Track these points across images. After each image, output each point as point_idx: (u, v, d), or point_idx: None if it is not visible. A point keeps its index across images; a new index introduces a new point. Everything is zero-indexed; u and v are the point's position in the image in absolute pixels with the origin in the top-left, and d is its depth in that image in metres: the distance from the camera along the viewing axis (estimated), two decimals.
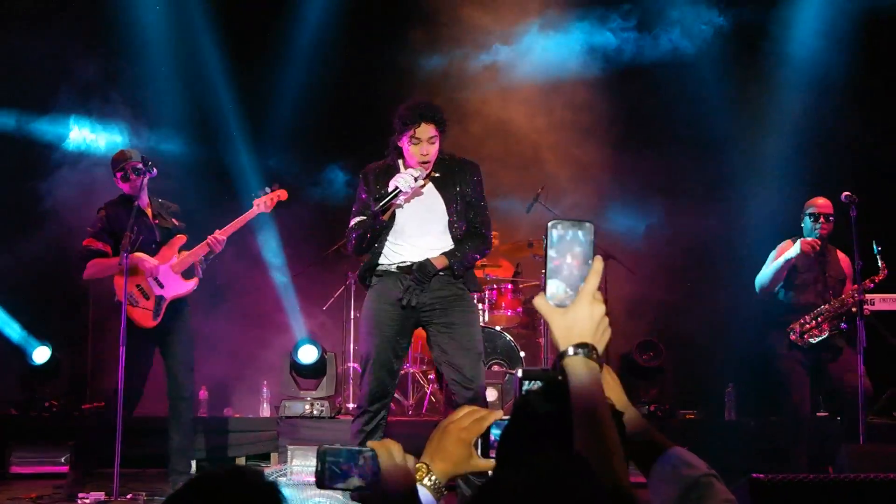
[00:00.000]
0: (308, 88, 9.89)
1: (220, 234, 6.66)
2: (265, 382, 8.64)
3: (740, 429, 8.45)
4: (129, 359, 6.17)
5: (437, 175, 5.62)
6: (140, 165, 6.57)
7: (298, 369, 8.39)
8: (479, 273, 9.16)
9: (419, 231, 5.57)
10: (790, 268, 7.08)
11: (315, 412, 7.95)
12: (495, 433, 2.25)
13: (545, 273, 1.92)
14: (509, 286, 9.02)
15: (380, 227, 5.51)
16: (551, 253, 1.89)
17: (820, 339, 6.90)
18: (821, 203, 7.08)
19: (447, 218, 5.59)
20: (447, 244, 5.58)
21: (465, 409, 2.28)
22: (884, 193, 8.80)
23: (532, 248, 9.05)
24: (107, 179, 6.96)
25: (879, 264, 6.86)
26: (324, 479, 2.04)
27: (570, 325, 1.85)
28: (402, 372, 8.73)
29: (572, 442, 1.81)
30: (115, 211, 6.65)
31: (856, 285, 6.79)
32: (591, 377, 1.82)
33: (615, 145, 9.81)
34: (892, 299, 7.27)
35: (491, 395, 7.70)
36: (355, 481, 2.03)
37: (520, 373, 2.34)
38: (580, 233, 1.89)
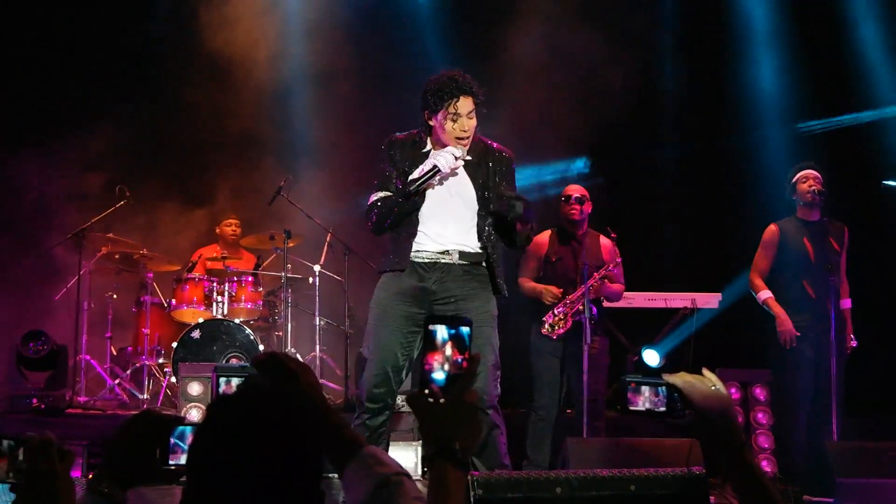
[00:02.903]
0: None
1: None
2: None
3: None
4: None
5: (468, 158, 5.12)
6: None
7: (26, 361, 8.03)
8: (218, 265, 9.08)
9: (444, 218, 5.12)
10: (544, 259, 7.12)
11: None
12: (176, 436, 2.31)
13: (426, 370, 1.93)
14: (250, 279, 8.93)
15: (412, 209, 5.07)
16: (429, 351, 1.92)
17: (567, 330, 6.88)
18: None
19: (475, 206, 5.14)
20: (472, 236, 5.14)
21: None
22: None
23: (273, 240, 9.02)
24: None
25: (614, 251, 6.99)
26: None
27: (440, 423, 1.90)
28: (139, 365, 8.56)
29: (264, 452, 1.88)
30: None
31: (599, 272, 6.92)
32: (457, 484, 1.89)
33: None
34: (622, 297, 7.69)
35: (228, 389, 7.63)
36: None
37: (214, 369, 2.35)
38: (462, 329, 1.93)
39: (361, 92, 10.04)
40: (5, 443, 2.26)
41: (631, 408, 2.29)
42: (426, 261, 5.13)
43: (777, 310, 6.94)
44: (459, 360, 1.92)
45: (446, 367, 1.91)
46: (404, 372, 5.19)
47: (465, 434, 1.92)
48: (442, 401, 1.90)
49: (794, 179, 7.17)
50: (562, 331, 6.89)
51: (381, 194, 5.16)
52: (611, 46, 9.39)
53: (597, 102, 9.36)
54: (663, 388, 2.25)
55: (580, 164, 10.00)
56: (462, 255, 5.13)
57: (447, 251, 5.13)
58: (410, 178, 5.07)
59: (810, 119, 9.71)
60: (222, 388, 2.56)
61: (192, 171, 10.23)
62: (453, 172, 5.07)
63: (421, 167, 5.07)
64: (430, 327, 1.94)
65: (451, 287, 5.10)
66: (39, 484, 2.21)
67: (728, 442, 2.16)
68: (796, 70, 9.63)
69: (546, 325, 6.92)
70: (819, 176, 7.11)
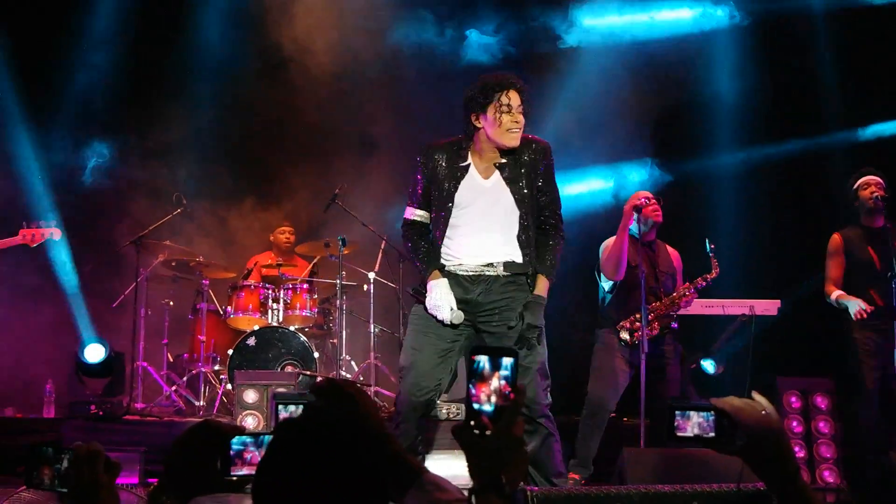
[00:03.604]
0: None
1: None
2: (50, 381, 8.31)
3: None
4: None
5: (503, 161, 5.08)
6: None
7: (85, 368, 8.12)
8: (273, 272, 9.11)
9: (487, 229, 5.07)
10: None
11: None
12: (236, 447, 2.28)
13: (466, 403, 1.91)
14: (304, 286, 8.97)
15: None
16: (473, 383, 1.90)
17: (650, 338, 6.60)
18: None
19: (517, 212, 5.07)
20: (513, 244, 5.07)
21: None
22: None
23: (328, 248, 9.03)
24: None
25: (712, 263, 6.82)
26: None
27: (486, 456, 1.87)
28: (195, 372, 8.61)
29: (329, 477, 1.86)
30: None
31: (686, 283, 6.83)
32: None
33: None
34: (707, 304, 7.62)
35: None
36: None
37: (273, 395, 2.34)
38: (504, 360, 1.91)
39: (414, 98, 10.04)
40: (50, 450, 2.26)
41: (679, 434, 2.24)
42: (470, 273, 5.10)
43: (846, 298, 6.86)
44: (506, 391, 1.88)
45: (492, 398, 1.89)
46: (445, 381, 5.18)
47: (511, 467, 1.89)
48: (488, 433, 1.87)
49: (855, 186, 7.05)
50: (646, 337, 6.55)
51: (416, 215, 5.18)
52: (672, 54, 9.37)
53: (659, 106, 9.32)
54: (711, 413, 2.19)
55: (645, 168, 9.89)
56: (506, 265, 5.09)
57: (491, 263, 5.09)
58: (414, 289, 5.15)
59: (870, 123, 9.55)
60: (281, 415, 2.55)
61: (249, 178, 10.28)
62: (476, 186, 5.07)
63: (431, 296, 5.03)
64: (475, 358, 1.92)
65: (494, 298, 5.06)
66: (84, 493, 2.21)
67: (781, 468, 2.10)
68: (856, 72, 9.47)
69: (624, 332, 6.74)
70: (881, 181, 6.98)
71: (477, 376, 1.90)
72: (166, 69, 9.89)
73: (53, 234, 6.57)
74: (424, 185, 5.15)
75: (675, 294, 6.80)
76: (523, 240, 5.08)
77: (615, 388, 6.81)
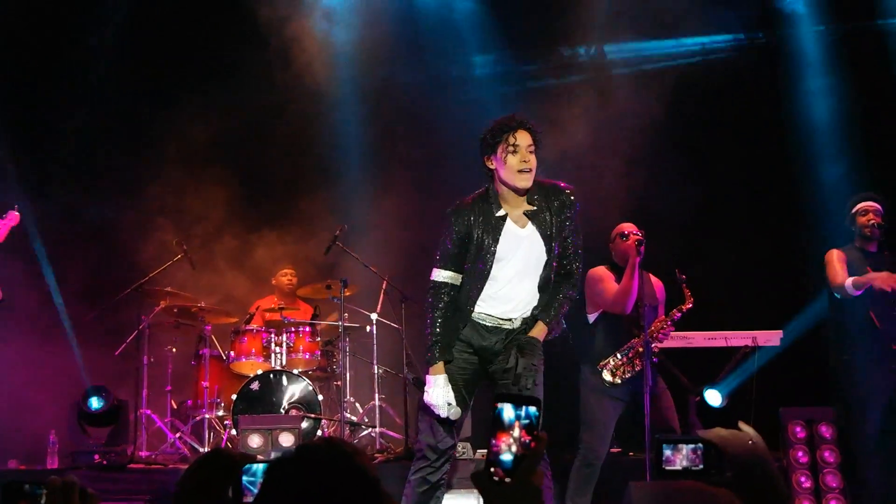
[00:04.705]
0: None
1: None
2: (53, 431, 8.28)
3: None
4: None
5: (532, 209, 5.09)
6: None
7: (87, 417, 8.11)
8: (275, 316, 9.11)
9: (518, 276, 5.09)
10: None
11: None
12: (248, 477, 2.28)
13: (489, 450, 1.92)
14: (307, 329, 8.97)
15: None
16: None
17: (633, 374, 6.63)
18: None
19: (545, 258, 5.10)
20: (536, 296, 5.14)
21: None
22: None
23: (330, 290, 9.03)
24: None
25: (685, 293, 6.72)
26: None
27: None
28: (199, 418, 8.59)
29: None
30: None
31: (663, 316, 6.76)
32: None
33: None
34: (682, 337, 7.60)
35: (287, 440, 7.63)
36: None
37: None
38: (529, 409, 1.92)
39: (415, 137, 10.13)
40: (27, 486, 2.28)
41: (667, 468, 2.24)
42: (489, 324, 5.14)
43: (864, 278, 6.77)
44: (527, 441, 1.89)
45: (514, 447, 1.88)
46: (463, 419, 5.21)
47: None
48: (507, 480, 1.87)
49: (853, 210, 7.06)
50: (628, 375, 6.66)
51: (444, 276, 5.10)
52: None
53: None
54: (699, 445, 2.19)
55: None
56: (524, 321, 5.16)
57: (511, 319, 5.14)
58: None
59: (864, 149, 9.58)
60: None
61: (247, 222, 10.30)
62: (512, 232, 5.07)
63: (430, 394, 5.04)
64: (498, 405, 1.91)
65: (508, 347, 5.11)
66: None
67: (771, 496, 2.09)
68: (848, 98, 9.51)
69: (606, 373, 6.70)
70: (879, 208, 6.99)
71: (498, 424, 1.90)
72: (163, 122, 9.96)
73: (11, 219, 6.71)
74: (455, 246, 5.09)
75: (651, 329, 6.66)
76: (546, 284, 5.14)
77: (607, 437, 6.82)
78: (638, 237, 6.58)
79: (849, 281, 6.85)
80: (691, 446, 2.21)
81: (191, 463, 2.31)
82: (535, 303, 5.15)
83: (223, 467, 2.31)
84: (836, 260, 7.00)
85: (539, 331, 5.13)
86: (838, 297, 7.00)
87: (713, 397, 7.95)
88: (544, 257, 5.09)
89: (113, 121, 9.94)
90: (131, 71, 9.95)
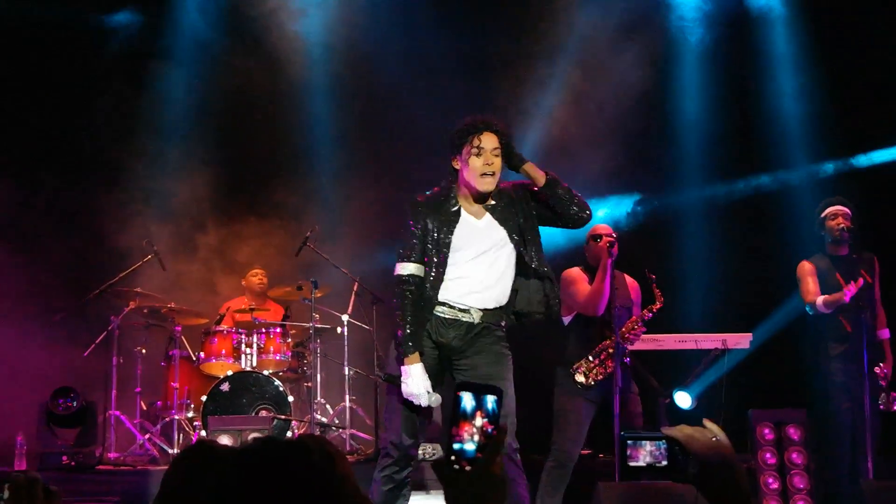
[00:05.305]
0: None
1: None
2: (20, 433, 8.20)
3: None
4: None
5: (493, 203, 5.08)
6: None
7: (56, 419, 8.04)
8: (246, 317, 9.08)
9: (476, 259, 5.03)
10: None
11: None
12: None
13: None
14: (278, 330, 8.94)
15: None
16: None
17: (606, 375, 6.59)
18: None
19: (509, 244, 5.07)
20: (501, 288, 5.07)
21: None
22: None
23: (301, 290, 9.01)
24: None
25: (655, 293, 6.70)
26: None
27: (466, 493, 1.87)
28: (168, 419, 8.55)
29: None
30: None
31: (634, 317, 6.74)
32: None
33: None
34: (652, 339, 7.62)
35: None
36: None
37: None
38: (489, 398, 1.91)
39: (385, 140, 10.11)
40: None
41: (631, 463, 2.24)
42: (447, 317, 5.07)
43: (834, 297, 6.85)
44: (489, 430, 1.88)
45: (475, 437, 1.88)
46: (425, 424, 5.19)
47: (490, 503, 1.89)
48: (468, 469, 1.87)
49: (822, 215, 7.11)
50: (601, 377, 6.64)
51: (409, 269, 5.03)
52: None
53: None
54: (663, 441, 2.20)
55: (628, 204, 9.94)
56: (484, 315, 5.08)
57: (468, 309, 5.07)
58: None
59: (838, 156, 9.64)
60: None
61: (217, 222, 10.25)
62: (473, 228, 5.06)
63: (408, 384, 4.94)
64: (459, 394, 1.91)
65: (469, 343, 5.07)
66: None
67: (734, 494, 2.10)
68: (820, 103, 9.55)
69: (579, 375, 6.68)
70: (848, 212, 7.05)
71: (459, 413, 1.89)
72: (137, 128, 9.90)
73: None
74: (415, 237, 5.06)
75: (622, 329, 6.67)
76: (527, 272, 5.11)
77: (580, 439, 6.82)
78: (611, 239, 6.60)
79: (820, 300, 6.96)
80: (655, 443, 2.21)
81: (176, 454, 2.31)
82: (498, 295, 5.09)
83: (209, 459, 2.30)
84: (807, 275, 7.09)
85: (535, 169, 5.09)
86: (810, 311, 7.08)
87: (683, 400, 7.96)
88: (508, 243, 5.06)
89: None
90: None
